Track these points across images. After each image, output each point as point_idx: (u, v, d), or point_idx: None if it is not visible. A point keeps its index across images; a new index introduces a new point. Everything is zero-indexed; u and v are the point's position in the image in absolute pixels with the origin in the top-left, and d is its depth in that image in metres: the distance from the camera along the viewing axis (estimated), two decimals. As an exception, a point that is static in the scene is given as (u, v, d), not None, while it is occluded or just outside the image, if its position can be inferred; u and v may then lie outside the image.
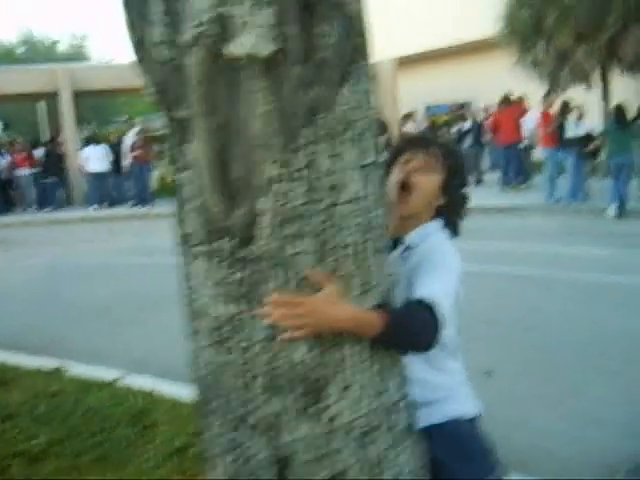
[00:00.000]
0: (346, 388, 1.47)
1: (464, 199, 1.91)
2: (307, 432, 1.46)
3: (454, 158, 1.88)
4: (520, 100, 14.37)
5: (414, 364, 1.71)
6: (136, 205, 15.50)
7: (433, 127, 18.27)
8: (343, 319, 1.41)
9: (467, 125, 15.88)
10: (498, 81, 15.31)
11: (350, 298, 1.45)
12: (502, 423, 3.17)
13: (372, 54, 1.49)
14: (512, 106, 13.96)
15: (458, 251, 1.77)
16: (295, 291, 1.41)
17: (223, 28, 1.34)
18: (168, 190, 13.29)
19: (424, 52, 19.72)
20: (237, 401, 1.49)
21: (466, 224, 1.93)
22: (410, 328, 1.51)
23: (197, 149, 1.41)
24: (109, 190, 16.20)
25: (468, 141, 15.35)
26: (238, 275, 1.42)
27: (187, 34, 1.37)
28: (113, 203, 16.03)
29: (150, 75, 1.49)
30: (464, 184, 1.91)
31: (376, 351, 1.51)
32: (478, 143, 15.35)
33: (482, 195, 11.49)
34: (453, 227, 1.88)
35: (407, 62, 18.90)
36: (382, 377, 1.53)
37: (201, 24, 1.35)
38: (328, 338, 1.44)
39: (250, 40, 1.32)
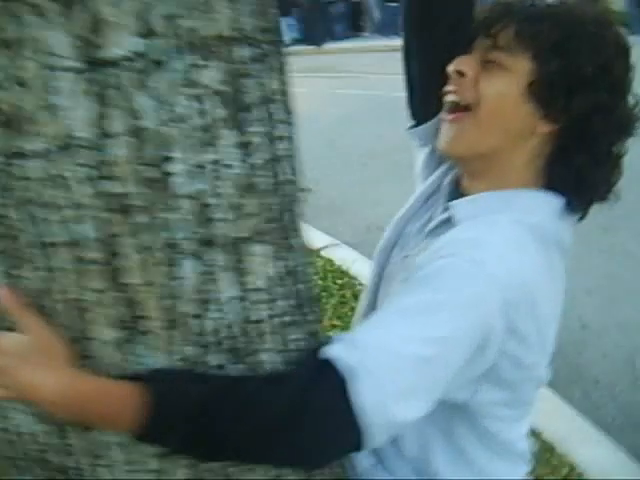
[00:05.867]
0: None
1: (605, 112, 0.85)
2: None
3: (562, 33, 0.84)
4: None
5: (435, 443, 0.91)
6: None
7: None
8: (47, 394, 0.67)
9: None
10: None
11: (87, 348, 0.70)
12: None
13: None
14: None
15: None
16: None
17: None
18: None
19: None
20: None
21: None
22: (233, 422, 0.69)
23: None
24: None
25: None
26: None
27: None
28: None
29: None
30: (598, 80, 0.84)
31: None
32: None
33: None
34: (576, 191, 0.88)
35: None
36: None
37: None
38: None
39: None
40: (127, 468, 0.76)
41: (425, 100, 1.01)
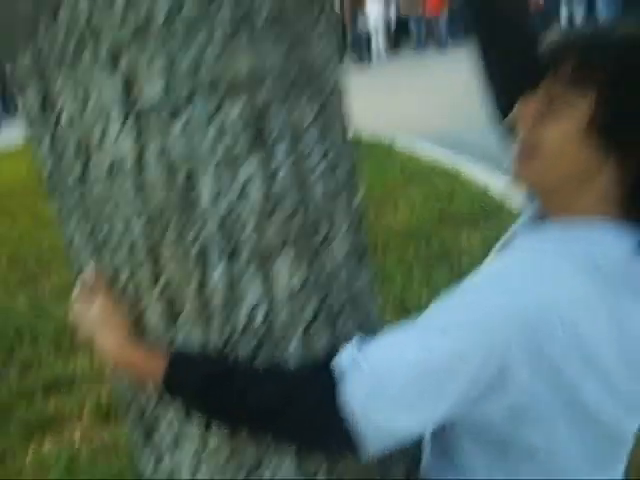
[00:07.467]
0: (177, 441, 0.97)
1: None
2: (146, 465, 1.05)
3: (628, 62, 0.79)
4: None
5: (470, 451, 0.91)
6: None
7: None
8: (108, 354, 0.90)
9: None
10: None
11: (145, 321, 0.89)
12: None
13: None
14: None
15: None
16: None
17: None
18: None
19: None
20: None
21: None
22: (233, 394, 0.84)
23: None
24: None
25: None
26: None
27: None
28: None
29: None
30: None
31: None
32: None
33: None
34: None
35: None
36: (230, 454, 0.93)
37: None
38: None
39: None
40: (178, 419, 0.94)
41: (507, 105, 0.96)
